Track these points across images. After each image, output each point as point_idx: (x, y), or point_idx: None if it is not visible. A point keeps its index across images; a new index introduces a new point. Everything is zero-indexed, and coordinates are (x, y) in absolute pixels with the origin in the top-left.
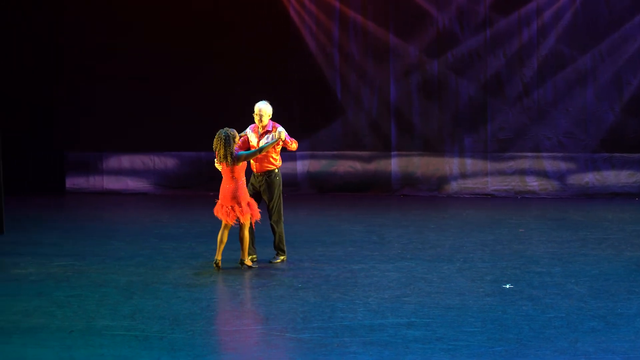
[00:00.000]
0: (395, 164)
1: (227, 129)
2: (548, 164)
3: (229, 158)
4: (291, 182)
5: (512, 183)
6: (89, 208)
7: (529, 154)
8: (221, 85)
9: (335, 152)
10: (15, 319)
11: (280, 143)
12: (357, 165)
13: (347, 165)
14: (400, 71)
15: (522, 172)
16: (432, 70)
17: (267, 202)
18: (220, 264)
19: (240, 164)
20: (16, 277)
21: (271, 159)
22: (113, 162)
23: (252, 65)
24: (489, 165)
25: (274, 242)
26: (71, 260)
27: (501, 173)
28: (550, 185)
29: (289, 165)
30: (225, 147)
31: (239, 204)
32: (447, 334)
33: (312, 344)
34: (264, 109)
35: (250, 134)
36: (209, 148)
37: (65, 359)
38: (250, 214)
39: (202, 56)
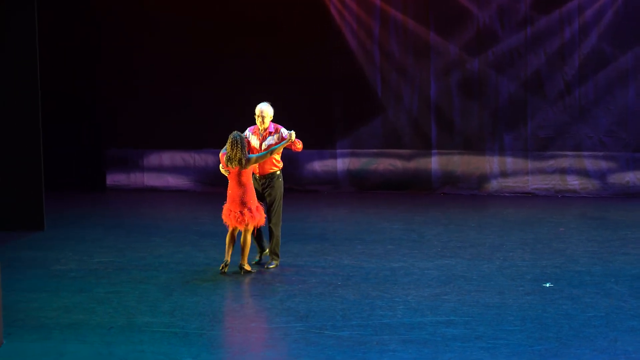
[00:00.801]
0: (435, 162)
1: (238, 132)
2: (589, 163)
3: (243, 161)
4: (331, 180)
5: (553, 182)
6: (130, 205)
7: (570, 152)
8: (262, 83)
9: (375, 150)
10: (56, 315)
11: (290, 144)
12: (398, 163)
13: (387, 163)
14: (440, 69)
15: (563, 171)
16: (473, 68)
17: (267, 204)
18: (228, 265)
19: (249, 167)
20: (57, 273)
21: (274, 161)
22: (153, 159)
23: (293, 63)
24: (530, 164)
25: (270, 246)
26: (111, 257)
27: (542, 172)
28: (590, 184)
29: (330, 162)
30: (242, 150)
31: (250, 209)
32: (486, 332)
33: (351, 342)
34: (265, 110)
35: (251, 136)
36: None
37: (104, 355)
38: (259, 218)
39: (245, 54)
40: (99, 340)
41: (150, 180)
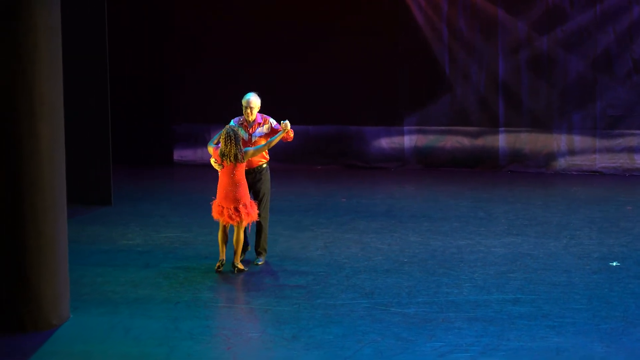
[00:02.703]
0: (502, 140)
1: (231, 126)
2: None
3: (239, 156)
4: (398, 157)
5: (621, 160)
6: (196, 180)
7: (638, 131)
8: (328, 60)
9: (442, 128)
10: (122, 289)
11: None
12: (465, 141)
13: (454, 141)
14: (508, 47)
15: (631, 150)
16: (541, 46)
17: (257, 198)
18: (224, 264)
19: (244, 162)
20: (124, 248)
21: (263, 153)
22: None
23: (360, 40)
24: (598, 143)
25: (259, 241)
26: (178, 232)
27: (610, 150)
28: None
29: (397, 139)
30: (236, 145)
31: (245, 205)
32: (552, 310)
33: (417, 319)
34: (253, 101)
35: (239, 129)
36: (317, 122)
37: (170, 330)
38: (253, 215)
39: (309, 32)
40: (165, 315)
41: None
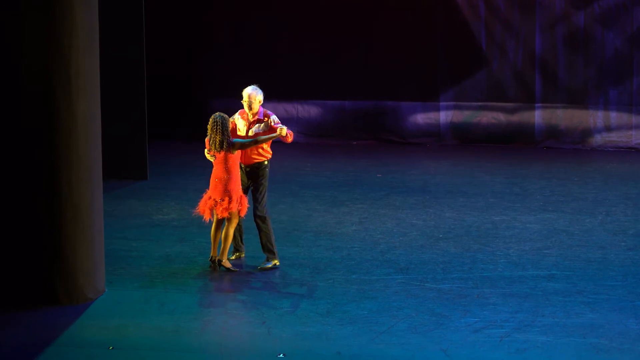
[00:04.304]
0: (539, 116)
1: (221, 113)
2: None
3: (224, 144)
4: (434, 133)
5: None
6: None
7: None
8: (364, 36)
9: (479, 103)
10: (157, 263)
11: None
12: (501, 117)
13: (490, 117)
14: (546, 22)
15: None
16: (578, 21)
17: (252, 194)
18: (217, 261)
19: (235, 153)
20: (159, 222)
21: (260, 150)
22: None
23: (397, 15)
24: (634, 119)
25: (261, 242)
26: None
27: None
28: None
29: (433, 115)
30: (222, 132)
31: (230, 197)
32: (587, 287)
33: (451, 295)
34: (252, 94)
35: (238, 120)
36: (353, 97)
37: (205, 305)
38: (240, 209)
39: (346, 8)
40: (199, 290)
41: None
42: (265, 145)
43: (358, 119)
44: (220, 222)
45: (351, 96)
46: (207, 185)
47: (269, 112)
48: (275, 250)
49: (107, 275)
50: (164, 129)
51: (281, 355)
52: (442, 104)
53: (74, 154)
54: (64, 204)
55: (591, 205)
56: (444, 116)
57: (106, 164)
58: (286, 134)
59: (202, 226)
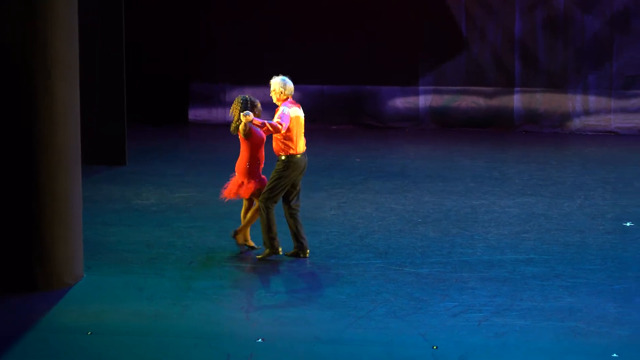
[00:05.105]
0: (518, 100)
1: (246, 95)
2: None
3: (233, 126)
4: (413, 117)
5: (636, 120)
6: (211, 140)
7: None
8: (344, 20)
9: (458, 87)
10: (136, 248)
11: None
12: (480, 101)
13: (469, 101)
14: (525, 6)
15: None
16: (558, 5)
17: None
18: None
19: (251, 137)
20: (138, 207)
21: (279, 143)
22: (235, 94)
23: (377, 0)
24: (613, 103)
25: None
26: (192, 192)
27: (625, 110)
28: None
29: (412, 99)
30: (239, 113)
31: (249, 180)
32: (566, 271)
33: (430, 279)
34: (271, 83)
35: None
36: (333, 81)
37: (184, 290)
38: (241, 193)
39: None
40: (178, 274)
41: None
42: (280, 137)
43: (337, 103)
44: (249, 203)
45: (330, 81)
46: (185, 170)
47: (284, 104)
48: (270, 242)
49: (85, 260)
50: (143, 114)
51: (260, 340)
52: (421, 88)
53: (53, 138)
54: (43, 190)
55: (570, 189)
56: (423, 100)
57: (85, 150)
58: (248, 119)
59: (180, 211)
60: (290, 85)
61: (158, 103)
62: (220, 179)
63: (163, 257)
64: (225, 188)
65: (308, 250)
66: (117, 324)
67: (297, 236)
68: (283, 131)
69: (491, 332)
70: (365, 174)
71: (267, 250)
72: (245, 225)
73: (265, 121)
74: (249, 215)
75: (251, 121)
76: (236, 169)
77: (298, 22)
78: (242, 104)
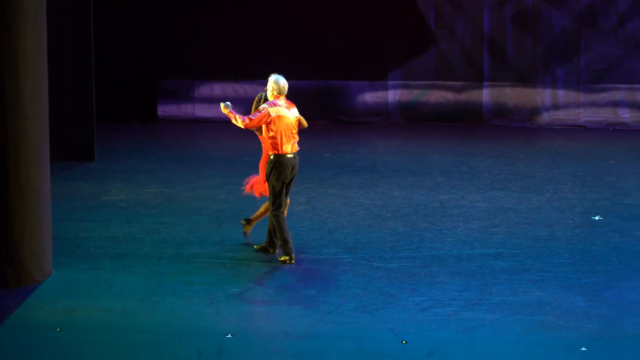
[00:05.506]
0: (487, 95)
1: (264, 93)
2: None
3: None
4: (382, 112)
5: (604, 114)
6: (180, 136)
7: (622, 85)
8: (312, 15)
9: (427, 82)
10: (105, 245)
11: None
12: (449, 95)
13: (438, 95)
14: (494, 1)
15: (615, 104)
16: (527, 0)
17: None
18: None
19: (264, 133)
20: (106, 204)
21: (268, 143)
22: (205, 89)
23: None
24: (582, 97)
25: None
26: (161, 188)
27: (593, 104)
28: None
29: (381, 94)
30: (254, 107)
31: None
32: (535, 264)
33: (399, 274)
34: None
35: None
36: (302, 77)
37: (153, 286)
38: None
39: None
40: (147, 270)
41: (201, 111)
42: (270, 139)
43: (307, 98)
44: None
45: (300, 76)
46: (154, 167)
47: (267, 102)
48: (283, 246)
49: (54, 257)
50: (111, 110)
51: (229, 336)
52: (390, 83)
53: (21, 135)
54: (11, 186)
55: (539, 183)
56: (392, 95)
57: (53, 146)
58: (224, 110)
59: (149, 207)
60: (282, 83)
61: (127, 100)
62: (189, 176)
63: (132, 253)
64: (247, 183)
65: (294, 257)
66: (87, 321)
67: (271, 233)
68: (241, 125)
69: (460, 327)
70: (335, 169)
71: (284, 257)
72: (257, 217)
73: (236, 115)
74: (262, 208)
75: (227, 113)
76: (259, 167)
77: (265, 17)
78: (257, 100)
